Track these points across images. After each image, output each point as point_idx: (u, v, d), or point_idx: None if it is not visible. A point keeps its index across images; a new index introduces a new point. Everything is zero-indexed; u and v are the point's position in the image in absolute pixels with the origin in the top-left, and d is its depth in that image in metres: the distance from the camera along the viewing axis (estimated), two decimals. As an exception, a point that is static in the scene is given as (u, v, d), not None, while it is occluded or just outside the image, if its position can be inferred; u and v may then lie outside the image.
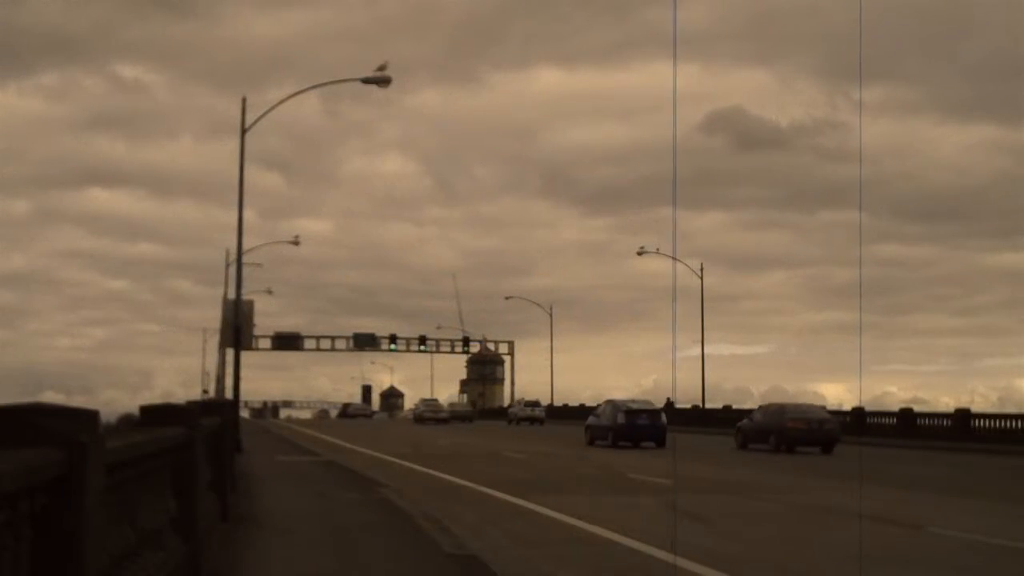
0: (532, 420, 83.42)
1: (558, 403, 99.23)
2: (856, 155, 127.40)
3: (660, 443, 40.57)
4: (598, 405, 46.59)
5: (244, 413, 68.20)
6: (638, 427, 41.00)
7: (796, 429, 37.55)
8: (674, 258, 60.76)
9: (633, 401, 44.34)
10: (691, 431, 57.06)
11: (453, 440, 47.22)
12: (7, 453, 3.78)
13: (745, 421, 41.89)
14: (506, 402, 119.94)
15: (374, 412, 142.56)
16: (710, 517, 15.84)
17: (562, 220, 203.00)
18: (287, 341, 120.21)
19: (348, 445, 40.78)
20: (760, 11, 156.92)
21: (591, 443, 42.05)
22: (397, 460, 30.83)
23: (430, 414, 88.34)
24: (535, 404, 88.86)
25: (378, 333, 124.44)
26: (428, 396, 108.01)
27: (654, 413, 42.01)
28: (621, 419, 40.99)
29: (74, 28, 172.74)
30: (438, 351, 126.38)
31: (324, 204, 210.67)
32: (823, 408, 43.02)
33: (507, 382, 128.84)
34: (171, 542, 7.72)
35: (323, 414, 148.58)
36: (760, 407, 42.41)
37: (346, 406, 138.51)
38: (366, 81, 36.17)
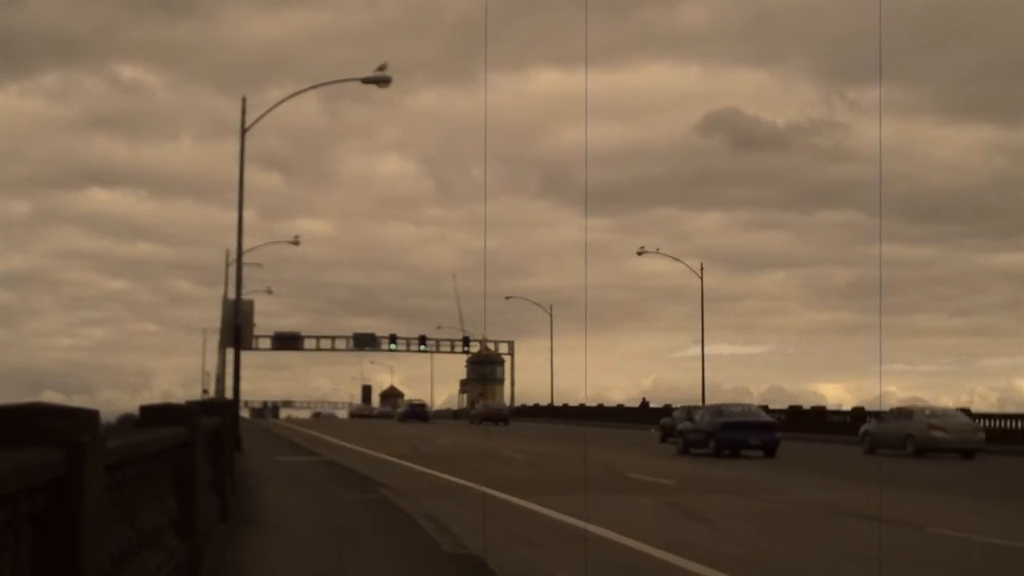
0: None
1: (558, 403, 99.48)
2: (854, 154, 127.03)
3: (426, 421, 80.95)
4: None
5: (244, 413, 68.37)
6: (415, 413, 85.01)
7: (485, 414, 75.22)
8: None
9: (412, 400, 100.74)
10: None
11: (452, 440, 47.29)
12: (7, 453, 3.78)
13: (471, 411, 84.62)
14: (507, 402, 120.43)
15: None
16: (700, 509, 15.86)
17: (562, 220, 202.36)
18: (287, 341, 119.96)
19: (348, 445, 40.76)
20: (758, 12, 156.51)
21: (399, 421, 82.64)
22: (396, 460, 30.83)
23: (357, 412, 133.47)
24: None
25: (378, 333, 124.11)
26: (424, 397, 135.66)
27: (423, 406, 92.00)
28: (406, 408, 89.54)
29: (74, 28, 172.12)
30: (438, 351, 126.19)
31: (324, 204, 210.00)
32: (504, 403, 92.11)
33: (507, 382, 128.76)
34: (171, 542, 7.73)
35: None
36: (472, 404, 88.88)
37: (316, 413, 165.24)
38: (366, 81, 36.13)
